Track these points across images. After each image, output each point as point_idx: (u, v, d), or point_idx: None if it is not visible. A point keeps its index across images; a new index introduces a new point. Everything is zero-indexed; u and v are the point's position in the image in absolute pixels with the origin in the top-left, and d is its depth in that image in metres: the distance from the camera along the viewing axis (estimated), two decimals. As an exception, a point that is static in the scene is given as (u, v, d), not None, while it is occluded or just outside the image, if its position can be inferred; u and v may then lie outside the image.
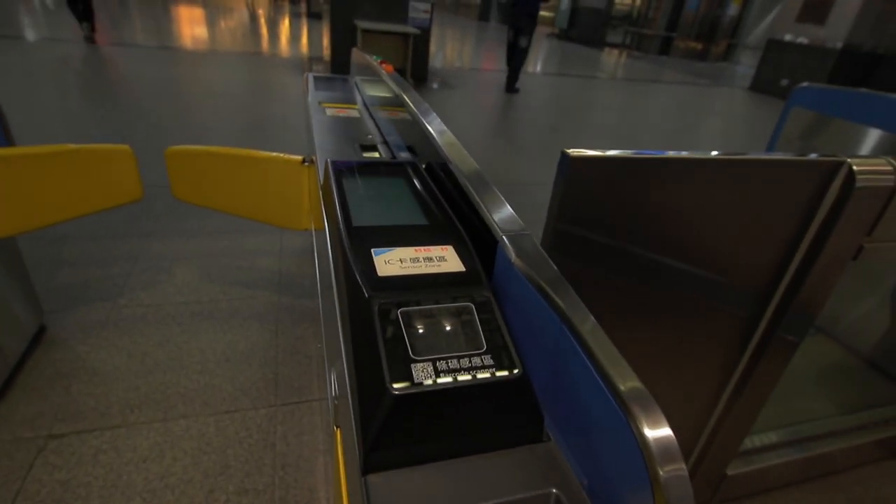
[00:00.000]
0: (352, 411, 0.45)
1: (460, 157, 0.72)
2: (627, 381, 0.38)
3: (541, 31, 11.83)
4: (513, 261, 0.51)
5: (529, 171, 4.29)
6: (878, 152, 2.16)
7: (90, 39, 7.45)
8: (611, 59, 14.28)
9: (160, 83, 5.83)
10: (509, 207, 0.60)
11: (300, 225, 1.71)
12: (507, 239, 0.53)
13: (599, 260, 0.98)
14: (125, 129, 4.16)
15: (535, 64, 11.14)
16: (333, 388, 0.69)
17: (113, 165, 1.61)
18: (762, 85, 10.36)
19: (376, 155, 1.12)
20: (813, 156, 0.99)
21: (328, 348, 0.95)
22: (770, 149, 2.69)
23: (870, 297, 2.37)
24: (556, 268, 0.50)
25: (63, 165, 1.49)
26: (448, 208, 0.69)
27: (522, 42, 7.14)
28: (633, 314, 1.08)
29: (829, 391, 2.18)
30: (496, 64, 10.36)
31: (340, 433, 0.59)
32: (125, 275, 2.33)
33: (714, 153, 0.93)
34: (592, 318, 0.43)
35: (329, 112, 1.40)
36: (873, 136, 2.25)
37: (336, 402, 0.62)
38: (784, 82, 9.66)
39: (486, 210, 0.59)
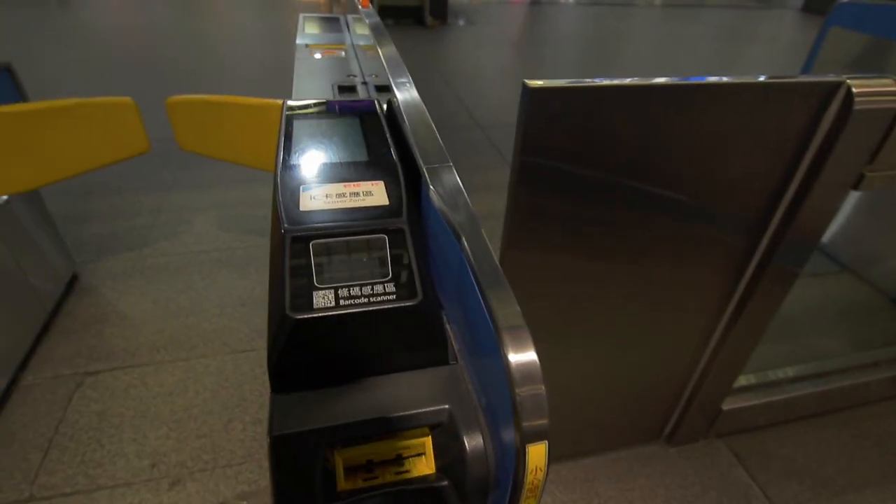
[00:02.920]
0: (266, 338, 0.48)
1: (406, 93, 0.71)
2: (506, 311, 0.39)
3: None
4: (430, 193, 0.51)
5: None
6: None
7: None
8: (649, -16, 13.19)
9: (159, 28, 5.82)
10: (439, 141, 0.59)
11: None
12: (427, 171, 0.53)
13: (574, 193, 0.96)
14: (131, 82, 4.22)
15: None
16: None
17: (116, 118, 1.65)
18: (816, 4, 9.42)
19: (356, 96, 1.12)
20: (808, 77, 0.92)
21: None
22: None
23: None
24: (468, 201, 0.50)
25: (68, 119, 1.54)
26: (392, 145, 0.69)
27: None
28: (618, 246, 1.07)
29: (849, 329, 2.12)
30: (524, -4, 9.78)
31: None
32: (149, 226, 2.44)
33: (695, 79, 0.88)
34: (490, 250, 0.44)
35: (315, 54, 1.39)
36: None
37: None
38: None
39: (413, 143, 0.58)
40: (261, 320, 1.95)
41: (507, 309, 0.39)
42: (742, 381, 1.58)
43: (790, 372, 1.70)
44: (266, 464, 1.43)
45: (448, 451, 0.43)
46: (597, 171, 0.94)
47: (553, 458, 1.53)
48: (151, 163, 2.98)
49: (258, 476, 1.43)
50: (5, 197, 1.69)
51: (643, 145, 0.93)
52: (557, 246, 1.04)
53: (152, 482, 1.40)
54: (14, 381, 1.63)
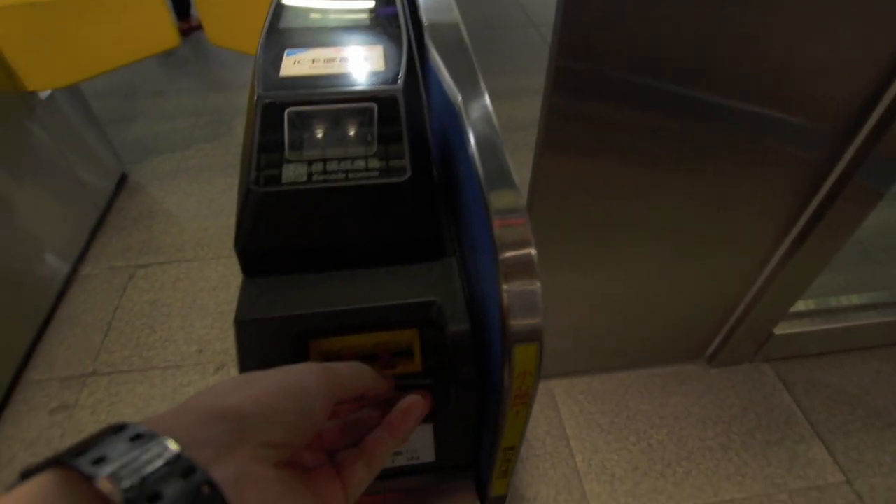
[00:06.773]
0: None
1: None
2: (503, 193, 0.32)
3: None
4: (430, 52, 0.42)
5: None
6: None
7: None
8: None
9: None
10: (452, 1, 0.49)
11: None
12: (429, 26, 0.44)
13: (619, 94, 0.83)
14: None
15: None
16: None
17: (144, 11, 1.58)
18: None
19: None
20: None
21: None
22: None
23: None
24: (474, 61, 0.41)
25: (95, 11, 1.49)
26: (402, 12, 0.59)
27: None
28: (667, 154, 0.94)
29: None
30: None
31: None
32: (191, 127, 2.45)
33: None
34: (494, 123, 0.36)
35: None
36: None
37: None
38: None
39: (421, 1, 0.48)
40: (299, 223, 1.96)
41: (504, 190, 0.32)
42: (800, 305, 1.46)
43: (854, 299, 1.55)
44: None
45: (435, 350, 0.38)
46: (646, 66, 0.80)
47: (584, 370, 1.50)
48: (193, 65, 2.93)
49: (295, 368, 1.50)
50: (48, 92, 1.71)
51: (703, 33, 0.76)
52: (599, 154, 0.92)
53: (199, 366, 1.50)
54: (74, 271, 1.74)
